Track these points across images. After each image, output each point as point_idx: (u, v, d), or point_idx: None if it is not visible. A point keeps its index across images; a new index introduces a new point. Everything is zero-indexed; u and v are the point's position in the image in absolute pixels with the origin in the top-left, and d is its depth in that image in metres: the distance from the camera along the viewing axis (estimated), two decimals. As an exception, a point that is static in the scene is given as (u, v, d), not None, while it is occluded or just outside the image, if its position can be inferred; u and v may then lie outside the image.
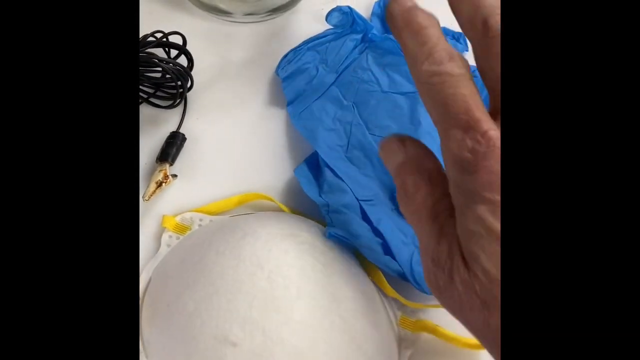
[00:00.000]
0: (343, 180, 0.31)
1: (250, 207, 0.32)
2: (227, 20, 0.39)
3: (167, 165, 0.31)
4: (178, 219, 0.30)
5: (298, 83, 0.35)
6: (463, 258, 0.18)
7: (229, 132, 0.35)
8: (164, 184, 0.30)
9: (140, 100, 0.34)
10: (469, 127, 0.18)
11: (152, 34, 0.33)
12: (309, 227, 0.27)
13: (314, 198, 0.30)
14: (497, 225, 0.17)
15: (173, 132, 0.33)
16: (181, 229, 0.30)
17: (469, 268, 0.18)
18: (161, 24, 0.38)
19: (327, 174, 0.31)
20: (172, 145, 0.32)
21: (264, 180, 0.33)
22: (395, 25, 0.22)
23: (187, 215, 0.31)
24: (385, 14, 0.23)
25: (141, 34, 0.37)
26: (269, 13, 0.38)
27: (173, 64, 0.33)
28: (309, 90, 0.35)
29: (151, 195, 0.30)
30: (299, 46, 0.37)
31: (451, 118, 0.19)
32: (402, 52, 0.22)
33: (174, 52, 0.34)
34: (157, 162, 0.32)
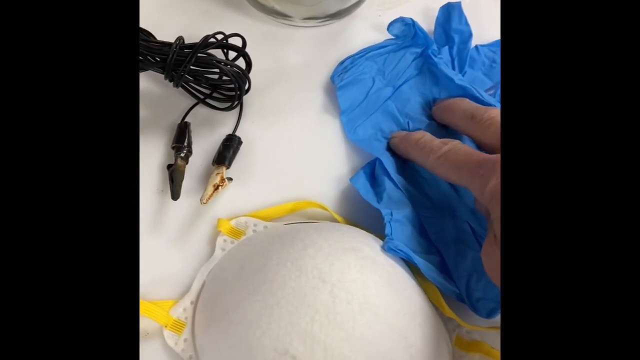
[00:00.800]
0: (401, 190, 0.30)
1: (303, 214, 0.32)
2: (284, 24, 0.38)
3: (224, 169, 0.31)
4: (233, 223, 0.30)
5: (353, 93, 0.35)
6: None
7: (284, 137, 0.34)
8: (220, 187, 0.30)
9: (196, 102, 0.34)
10: (479, 163, 0.25)
11: (213, 35, 0.33)
12: (369, 241, 0.27)
13: (375, 204, 0.30)
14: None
15: (229, 135, 0.33)
16: (236, 233, 0.30)
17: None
18: (216, 24, 0.38)
19: (388, 184, 0.30)
20: (229, 148, 0.32)
21: (317, 187, 0.33)
22: (401, 151, 0.32)
23: (242, 219, 0.30)
24: (390, 143, 0.33)
25: (196, 33, 0.37)
26: (327, 18, 0.38)
27: (232, 66, 0.33)
28: (364, 103, 0.34)
29: (209, 199, 0.30)
30: (356, 54, 0.36)
31: (466, 169, 0.26)
32: (415, 162, 0.31)
33: (231, 54, 0.34)
34: (213, 164, 0.32)
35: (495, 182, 0.23)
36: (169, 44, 0.32)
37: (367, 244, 0.26)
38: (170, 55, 0.31)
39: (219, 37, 0.33)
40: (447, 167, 0.27)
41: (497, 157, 0.24)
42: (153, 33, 0.34)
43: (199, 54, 0.32)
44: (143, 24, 0.37)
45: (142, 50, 0.32)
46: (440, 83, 0.35)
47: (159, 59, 0.32)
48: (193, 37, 0.37)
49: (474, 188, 0.25)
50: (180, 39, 0.32)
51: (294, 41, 0.38)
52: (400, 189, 0.30)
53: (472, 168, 0.25)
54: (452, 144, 0.28)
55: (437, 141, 0.29)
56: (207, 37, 0.33)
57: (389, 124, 0.34)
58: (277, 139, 0.34)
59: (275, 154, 0.34)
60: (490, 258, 0.24)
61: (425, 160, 0.29)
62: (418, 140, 0.30)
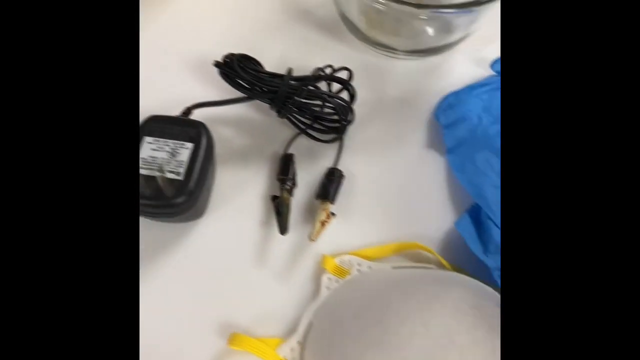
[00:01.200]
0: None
1: (407, 255, 0.31)
2: (384, 55, 0.38)
3: (329, 204, 0.31)
4: (337, 261, 0.30)
5: (460, 131, 0.34)
6: None
7: (386, 172, 0.34)
8: (326, 223, 0.30)
9: (298, 132, 0.34)
10: None
11: (322, 69, 0.33)
12: (492, 297, 0.26)
13: (482, 258, 0.29)
14: None
15: (331, 168, 0.33)
16: (340, 271, 0.30)
17: None
18: (314, 51, 0.38)
19: (494, 231, 0.30)
20: (332, 183, 0.32)
21: (420, 227, 0.32)
22: None
23: (346, 257, 0.30)
24: None
25: (294, 60, 0.37)
26: (430, 51, 0.37)
27: (338, 99, 0.33)
28: (471, 140, 0.34)
29: (317, 235, 0.29)
30: (460, 90, 0.36)
31: None
32: None
33: (334, 85, 0.34)
34: (317, 198, 0.32)
35: None
36: (279, 76, 0.32)
37: (491, 300, 0.25)
38: (282, 88, 0.31)
39: (327, 69, 0.33)
40: None
41: None
42: (253, 57, 0.34)
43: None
44: (243, 47, 0.37)
45: (252, 80, 0.32)
46: None
47: (266, 90, 0.32)
48: (291, 62, 0.37)
49: None
50: (290, 71, 0.32)
51: (393, 73, 0.38)
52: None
53: None
54: None
55: None
56: (317, 70, 0.32)
57: (498, 161, 0.33)
58: (379, 174, 0.34)
59: (377, 189, 0.33)
60: None
61: None
62: None
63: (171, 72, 0.36)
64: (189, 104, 0.33)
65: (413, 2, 0.31)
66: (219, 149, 0.32)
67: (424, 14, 0.32)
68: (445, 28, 0.35)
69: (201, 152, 0.29)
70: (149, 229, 0.31)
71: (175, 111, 0.33)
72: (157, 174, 0.27)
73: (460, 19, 0.33)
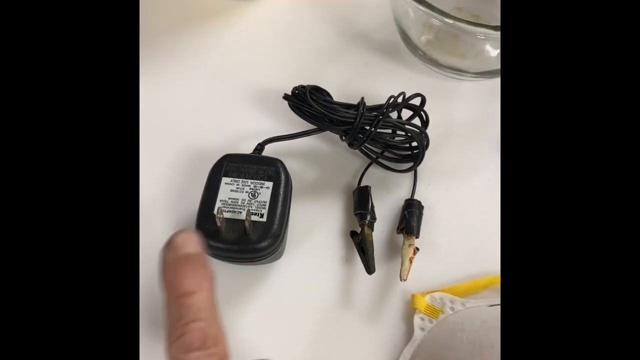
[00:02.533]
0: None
1: (497, 290, 0.29)
2: (450, 77, 0.37)
3: (414, 239, 0.29)
4: (427, 299, 0.28)
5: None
6: None
7: (464, 200, 0.32)
8: (413, 259, 0.29)
9: (370, 162, 0.33)
10: None
11: (395, 97, 0.31)
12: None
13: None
14: None
15: (409, 199, 0.31)
16: (432, 311, 0.28)
17: None
18: (376, 77, 0.37)
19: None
20: (413, 215, 0.30)
21: (508, 259, 0.30)
22: (161, 279, 0.20)
23: (437, 295, 0.28)
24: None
25: (356, 85, 0.36)
26: (496, 72, 0.36)
27: (412, 126, 0.31)
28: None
29: (408, 274, 0.28)
30: (535, 110, 0.34)
31: None
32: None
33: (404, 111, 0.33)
34: (400, 232, 0.30)
35: None
36: (353, 106, 0.31)
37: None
38: (358, 119, 0.30)
39: (399, 97, 0.32)
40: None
41: None
42: (316, 85, 0.33)
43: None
44: (302, 77, 0.36)
45: (325, 111, 0.30)
46: None
47: (341, 121, 0.31)
48: (354, 90, 0.36)
49: None
50: (362, 100, 0.31)
51: (460, 95, 0.36)
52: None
53: None
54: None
55: (197, 325, 0.19)
56: (391, 99, 0.31)
57: None
58: (458, 203, 0.32)
59: (458, 219, 0.32)
60: None
61: (166, 337, 0.19)
62: (184, 296, 0.19)
63: (234, 106, 0.35)
64: (254, 139, 0.32)
65: (471, 20, 0.30)
66: (290, 184, 0.31)
67: (480, 33, 0.31)
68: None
69: (281, 191, 0.28)
70: (225, 273, 0.29)
71: (245, 147, 0.32)
72: (242, 217, 0.26)
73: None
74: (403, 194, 0.32)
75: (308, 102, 0.30)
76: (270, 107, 0.35)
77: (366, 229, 0.29)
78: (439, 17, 0.30)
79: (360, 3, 0.40)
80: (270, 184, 0.28)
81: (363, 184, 0.32)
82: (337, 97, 0.35)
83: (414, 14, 0.33)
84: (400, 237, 0.30)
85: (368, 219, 0.30)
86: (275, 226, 0.27)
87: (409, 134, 0.31)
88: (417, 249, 0.30)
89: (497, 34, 0.31)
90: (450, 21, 0.30)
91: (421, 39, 0.35)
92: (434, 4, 0.39)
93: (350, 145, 0.32)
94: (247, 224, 0.25)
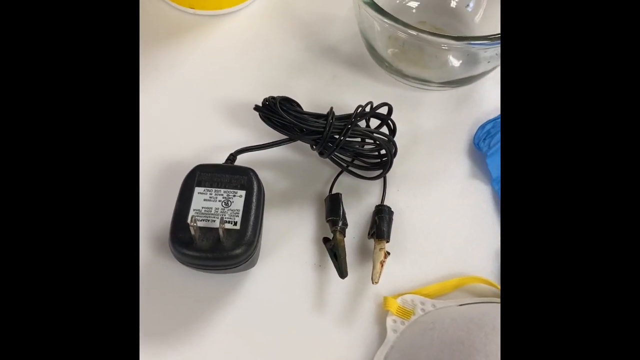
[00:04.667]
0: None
1: (468, 290, 0.30)
2: (416, 87, 0.38)
3: (385, 243, 0.30)
4: (399, 301, 0.29)
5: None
6: None
7: (433, 205, 0.33)
8: (384, 263, 0.29)
9: (341, 170, 0.34)
10: None
11: (364, 106, 0.32)
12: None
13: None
14: None
15: (379, 205, 0.32)
16: (404, 312, 0.29)
17: None
18: (345, 88, 0.38)
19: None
20: (384, 220, 0.31)
21: (475, 259, 0.31)
22: None
23: (408, 297, 0.29)
24: None
25: (326, 98, 0.37)
26: (461, 82, 0.37)
27: (380, 134, 0.32)
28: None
29: (379, 277, 0.29)
30: (497, 117, 0.36)
31: None
32: None
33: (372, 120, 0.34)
34: (371, 237, 0.31)
35: None
36: (323, 116, 0.32)
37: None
38: (327, 128, 0.31)
39: (367, 107, 0.33)
40: None
41: None
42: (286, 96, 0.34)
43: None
44: (273, 89, 0.37)
45: (295, 121, 0.31)
46: None
47: (310, 131, 0.31)
48: (322, 99, 0.37)
49: None
50: (332, 110, 0.32)
51: (426, 104, 0.38)
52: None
53: None
54: None
55: None
56: (359, 108, 0.32)
57: None
58: (426, 207, 0.33)
59: (427, 223, 0.33)
60: None
61: None
62: None
63: (205, 119, 0.36)
64: (227, 150, 0.32)
65: (436, 32, 0.31)
66: (263, 193, 0.31)
67: (444, 43, 0.32)
68: (473, 60, 0.35)
69: (254, 199, 0.28)
70: (199, 282, 0.29)
71: (217, 158, 0.32)
72: (216, 225, 0.27)
73: (489, 51, 0.33)
74: (373, 200, 0.33)
75: (278, 113, 0.31)
76: (242, 118, 0.35)
77: (338, 235, 0.30)
78: (403, 29, 0.32)
79: (328, 17, 0.41)
80: (243, 193, 0.28)
81: (334, 191, 0.33)
82: (306, 108, 0.36)
83: (379, 26, 0.34)
84: (372, 242, 0.31)
85: (340, 225, 0.31)
86: (248, 233, 0.27)
87: (378, 142, 0.32)
88: (388, 253, 0.30)
89: (459, 44, 0.32)
90: (414, 33, 0.32)
91: (387, 51, 0.37)
92: (400, 15, 0.41)
93: (321, 154, 0.33)
94: (220, 231, 0.26)
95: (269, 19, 0.42)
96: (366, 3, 0.32)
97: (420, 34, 0.31)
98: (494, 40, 0.31)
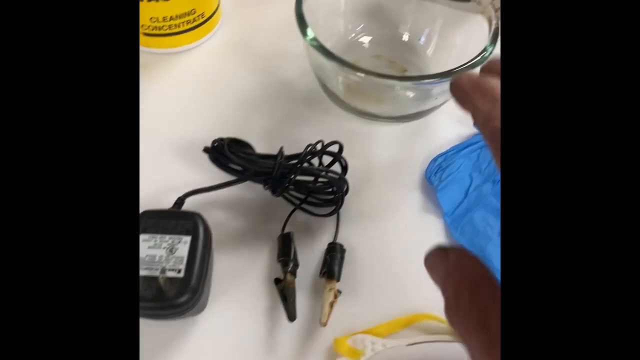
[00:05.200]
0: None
1: (420, 327, 0.30)
2: (373, 122, 0.38)
3: (335, 282, 0.30)
4: (349, 342, 0.29)
5: (453, 193, 0.34)
6: None
7: (386, 240, 0.33)
8: (334, 303, 0.29)
9: (294, 208, 0.34)
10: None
11: (313, 145, 0.32)
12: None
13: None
14: None
15: (331, 243, 0.32)
16: (354, 353, 0.29)
17: None
18: (299, 124, 0.38)
19: (503, 295, 0.29)
20: (335, 259, 0.31)
21: (428, 295, 0.31)
22: (463, 92, 0.22)
23: (358, 337, 0.29)
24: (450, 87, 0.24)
25: (280, 135, 0.38)
26: (414, 116, 0.38)
27: (331, 173, 0.33)
28: (466, 201, 0.34)
29: (328, 318, 0.29)
30: (448, 151, 0.36)
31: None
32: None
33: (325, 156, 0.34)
34: (322, 277, 0.31)
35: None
36: (272, 156, 0.32)
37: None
38: (276, 169, 0.31)
39: (318, 145, 0.33)
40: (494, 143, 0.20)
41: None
42: (239, 136, 0.34)
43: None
44: (229, 128, 0.37)
45: (244, 163, 0.31)
46: None
47: (260, 172, 0.32)
48: (278, 138, 0.37)
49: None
50: (281, 150, 0.32)
51: (380, 138, 0.38)
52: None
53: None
54: None
55: None
56: (309, 147, 0.32)
57: (496, 220, 0.33)
58: (379, 243, 0.33)
59: (379, 259, 0.33)
60: None
61: (488, 122, 0.20)
62: (494, 89, 0.21)
63: (158, 160, 0.36)
64: (181, 192, 0.32)
65: (387, 65, 0.32)
66: (214, 235, 0.31)
67: (399, 85, 0.33)
68: (425, 95, 0.35)
69: (199, 245, 0.28)
70: (145, 328, 0.29)
71: (168, 201, 0.32)
72: (157, 274, 0.26)
73: (441, 86, 0.33)
74: (327, 237, 0.33)
75: (227, 155, 0.31)
76: (195, 158, 0.35)
77: (288, 276, 0.30)
78: (350, 71, 0.32)
79: (283, 53, 0.42)
80: (188, 238, 0.28)
81: (287, 229, 0.33)
82: (261, 145, 0.36)
83: (329, 66, 0.35)
84: (324, 281, 0.31)
85: (290, 266, 0.31)
86: (193, 281, 0.27)
87: (328, 181, 0.32)
88: (339, 292, 0.30)
89: (407, 83, 0.33)
90: (362, 75, 0.32)
91: (339, 88, 0.37)
92: (354, 50, 0.42)
93: (273, 192, 0.33)
94: (161, 281, 0.26)
95: (225, 56, 0.42)
96: (314, 46, 0.33)
97: (367, 76, 0.32)
98: (442, 78, 0.32)
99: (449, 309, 0.20)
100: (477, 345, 0.17)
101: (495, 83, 0.21)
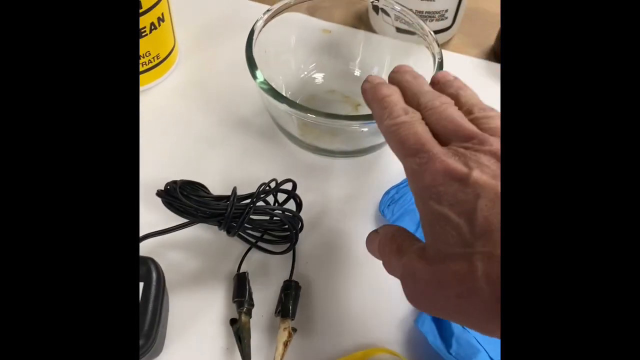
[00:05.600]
0: (474, 336, 0.30)
1: (374, 362, 0.31)
2: (328, 157, 0.39)
3: (289, 321, 0.31)
4: (305, 380, 0.29)
5: (406, 225, 0.35)
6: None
7: (341, 276, 0.34)
8: (288, 342, 0.30)
9: (249, 247, 0.34)
10: (417, 150, 0.24)
11: (267, 183, 0.33)
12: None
13: (444, 355, 0.29)
14: (443, 207, 0.22)
15: (287, 281, 0.33)
16: (310, 392, 0.29)
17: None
18: (256, 161, 0.39)
19: (455, 327, 0.30)
20: (289, 297, 0.32)
21: (383, 330, 0.32)
22: (366, 98, 0.30)
23: (314, 375, 0.30)
24: (362, 87, 0.30)
25: (237, 172, 0.38)
26: (367, 150, 0.39)
27: (285, 211, 0.33)
28: (419, 233, 0.35)
29: (282, 359, 0.29)
30: (400, 183, 0.37)
31: (406, 149, 0.25)
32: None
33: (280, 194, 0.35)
34: (277, 316, 0.31)
35: (427, 179, 0.23)
36: (224, 198, 0.32)
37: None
38: (229, 209, 0.31)
39: (272, 183, 0.34)
40: (393, 140, 0.26)
41: (439, 150, 0.24)
42: (195, 176, 0.34)
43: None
44: (185, 167, 0.38)
45: (196, 205, 0.32)
46: None
47: (213, 213, 0.32)
48: (235, 176, 0.38)
49: (407, 175, 0.25)
50: (234, 190, 0.33)
51: (335, 172, 0.39)
52: (468, 331, 0.30)
53: (412, 151, 0.24)
54: (415, 116, 0.26)
55: (400, 106, 0.27)
56: (262, 186, 0.33)
57: None
58: (334, 278, 0.34)
59: (334, 295, 0.33)
60: (414, 278, 0.24)
61: (380, 123, 0.27)
62: (384, 97, 0.27)
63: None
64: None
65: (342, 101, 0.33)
66: (170, 276, 0.31)
67: (354, 125, 0.34)
68: (375, 130, 0.36)
69: (152, 290, 0.28)
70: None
71: (122, 245, 0.32)
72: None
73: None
74: (283, 274, 0.34)
75: (179, 198, 0.32)
76: (150, 200, 0.35)
77: (243, 316, 0.30)
78: (300, 114, 0.33)
79: (239, 91, 0.43)
80: (140, 285, 0.28)
81: (244, 268, 0.33)
82: (217, 184, 0.36)
83: (281, 106, 0.36)
84: (278, 321, 0.31)
85: (245, 306, 0.31)
86: (146, 327, 0.27)
87: (281, 219, 0.33)
88: (294, 330, 0.31)
89: (354, 123, 0.33)
90: (312, 116, 0.33)
91: (292, 126, 0.38)
92: (308, 86, 0.43)
93: (228, 233, 0.33)
94: (111, 331, 0.26)
95: (181, 96, 0.43)
96: (264, 89, 0.34)
97: (317, 117, 0.33)
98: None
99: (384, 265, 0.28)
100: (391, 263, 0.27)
101: (389, 91, 0.28)
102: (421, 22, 0.38)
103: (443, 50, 0.38)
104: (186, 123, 0.41)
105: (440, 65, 0.36)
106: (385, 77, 0.42)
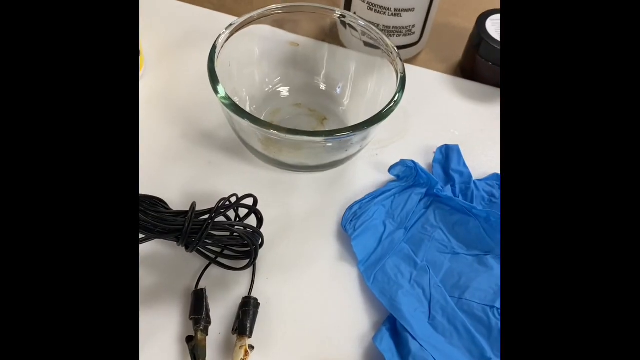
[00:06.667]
0: (429, 352, 0.30)
1: (332, 380, 0.31)
2: (292, 172, 0.39)
3: (246, 339, 0.30)
4: (261, 399, 0.29)
5: (367, 240, 0.35)
6: None
7: (301, 291, 0.34)
8: (245, 360, 0.29)
9: (209, 262, 0.34)
10: None
11: (227, 198, 0.33)
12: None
13: (402, 374, 0.29)
14: None
15: (245, 298, 0.32)
16: (265, 411, 0.29)
17: None
18: (220, 174, 0.39)
19: (412, 344, 0.30)
20: (247, 315, 0.31)
21: (342, 346, 0.32)
22: None
23: (270, 394, 0.29)
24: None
25: (200, 185, 0.38)
26: (331, 165, 0.39)
27: (245, 227, 0.33)
28: (379, 248, 0.35)
29: (237, 379, 0.28)
30: (363, 199, 0.37)
31: None
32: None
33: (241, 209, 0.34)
34: (234, 333, 0.31)
35: None
36: (183, 213, 0.32)
37: None
38: (187, 225, 0.31)
39: (232, 198, 0.34)
40: None
41: None
42: (156, 190, 0.34)
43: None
44: (147, 181, 0.37)
45: (154, 221, 0.31)
46: (458, 212, 0.36)
47: (171, 229, 0.32)
48: (197, 189, 0.38)
49: None
50: (193, 205, 0.32)
51: (299, 187, 0.39)
52: (426, 350, 0.30)
53: None
54: None
55: None
56: (221, 201, 0.33)
57: (407, 267, 0.34)
58: (294, 294, 0.34)
59: (293, 311, 0.33)
60: None
61: None
62: None
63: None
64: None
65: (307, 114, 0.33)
66: (126, 293, 0.31)
67: (299, 140, 0.34)
68: (341, 145, 0.36)
69: (104, 309, 0.28)
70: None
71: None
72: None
73: (355, 137, 0.34)
74: (242, 290, 0.33)
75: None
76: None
77: (199, 334, 0.30)
78: (261, 130, 0.33)
79: (203, 104, 0.42)
80: (92, 303, 0.28)
81: (203, 284, 0.33)
82: (180, 197, 0.36)
83: (243, 122, 0.35)
84: (235, 338, 0.31)
85: (202, 324, 0.30)
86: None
87: (241, 235, 0.33)
88: (252, 347, 0.30)
89: (318, 139, 0.33)
90: (276, 132, 0.33)
91: (255, 140, 0.38)
92: (274, 100, 0.42)
93: (186, 248, 0.33)
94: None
95: (145, 108, 0.42)
96: (225, 104, 0.33)
97: (280, 134, 0.32)
98: (354, 131, 0.33)
99: None
100: None
101: None
102: (385, 37, 0.38)
103: (410, 65, 0.38)
104: (149, 135, 0.40)
105: (402, 81, 0.36)
106: (349, 91, 0.42)
